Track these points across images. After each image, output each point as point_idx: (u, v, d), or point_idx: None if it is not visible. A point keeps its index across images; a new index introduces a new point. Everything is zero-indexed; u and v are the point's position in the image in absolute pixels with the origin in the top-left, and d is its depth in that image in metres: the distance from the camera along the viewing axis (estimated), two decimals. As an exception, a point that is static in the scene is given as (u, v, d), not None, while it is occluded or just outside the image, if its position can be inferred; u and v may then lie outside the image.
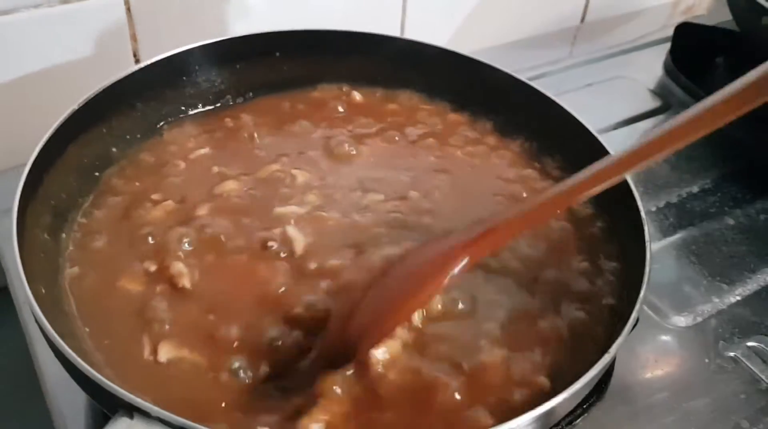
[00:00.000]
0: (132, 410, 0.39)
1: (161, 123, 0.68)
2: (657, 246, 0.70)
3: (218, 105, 0.72)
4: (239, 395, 0.46)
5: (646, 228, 0.54)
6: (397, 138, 0.70)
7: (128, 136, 0.65)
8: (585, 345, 0.52)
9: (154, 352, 0.48)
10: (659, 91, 0.93)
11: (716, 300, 0.66)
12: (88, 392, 0.44)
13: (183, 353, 0.48)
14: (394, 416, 0.46)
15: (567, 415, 0.48)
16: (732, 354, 0.61)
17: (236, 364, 0.48)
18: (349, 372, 0.47)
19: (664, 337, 0.62)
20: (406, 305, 0.46)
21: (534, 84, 0.69)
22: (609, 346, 0.46)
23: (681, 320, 0.64)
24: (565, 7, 1.06)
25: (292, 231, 0.56)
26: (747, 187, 0.78)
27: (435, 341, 0.50)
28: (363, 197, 0.62)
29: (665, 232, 0.72)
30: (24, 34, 0.69)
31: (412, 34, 0.92)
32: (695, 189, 0.78)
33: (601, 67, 0.96)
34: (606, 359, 0.45)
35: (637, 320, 0.48)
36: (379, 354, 0.48)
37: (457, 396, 0.47)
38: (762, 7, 0.80)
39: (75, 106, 0.58)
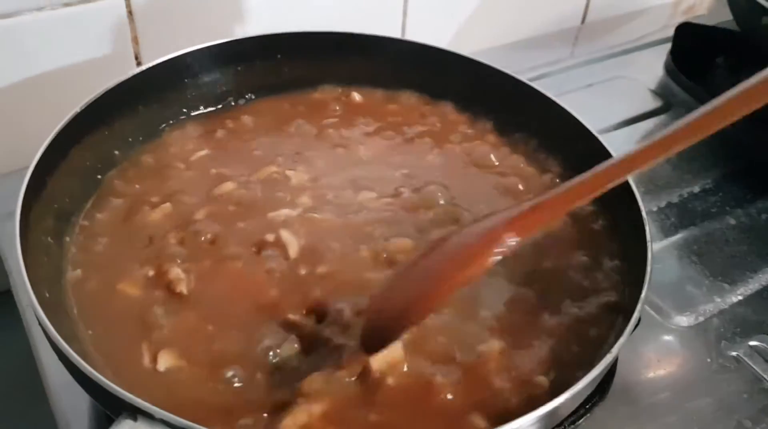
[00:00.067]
0: (136, 412, 0.40)
1: (163, 125, 0.68)
2: (658, 246, 0.70)
3: (219, 107, 0.72)
4: (236, 401, 0.46)
5: (647, 228, 0.54)
6: (395, 137, 0.70)
7: (130, 139, 0.65)
8: (584, 345, 0.52)
9: (154, 360, 0.48)
10: (660, 91, 0.93)
11: (718, 300, 0.66)
12: (91, 395, 0.44)
13: (181, 363, 0.48)
14: (389, 417, 0.46)
15: (570, 415, 0.48)
16: (734, 353, 0.61)
17: (231, 373, 0.48)
18: (340, 372, 0.47)
19: (666, 337, 0.62)
20: (450, 282, 0.45)
21: (535, 84, 0.69)
22: (611, 346, 0.46)
23: (683, 320, 0.64)
24: (566, 7, 1.06)
25: (285, 235, 0.57)
26: (748, 187, 0.78)
27: (432, 337, 0.51)
28: (356, 196, 0.62)
29: (666, 232, 0.72)
30: (26, 37, 0.69)
31: (413, 35, 0.93)
32: (696, 189, 0.78)
33: (601, 67, 0.96)
34: (608, 359, 0.45)
35: (639, 320, 0.48)
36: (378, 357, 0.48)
37: (451, 396, 0.47)
38: (762, 7, 0.80)
39: (77, 109, 0.58)
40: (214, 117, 0.71)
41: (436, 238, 0.50)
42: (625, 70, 0.96)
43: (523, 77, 0.70)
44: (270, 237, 0.56)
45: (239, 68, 0.72)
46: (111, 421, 0.40)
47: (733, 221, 0.74)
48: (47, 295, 0.49)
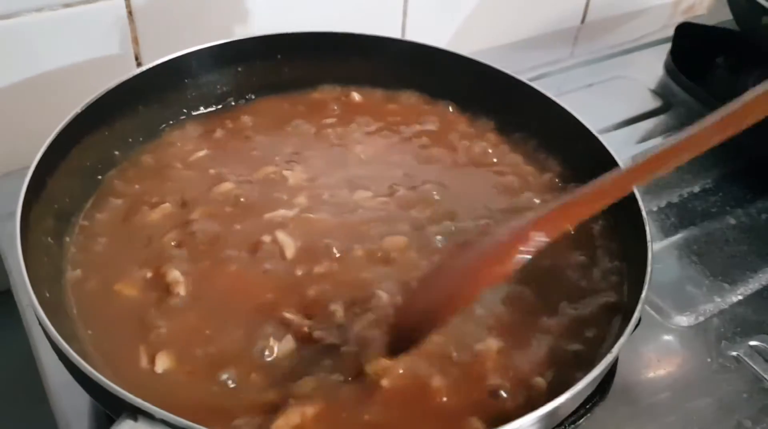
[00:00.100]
0: (136, 413, 0.40)
1: (163, 125, 0.68)
2: (658, 246, 0.70)
3: (219, 107, 0.72)
4: (230, 401, 0.46)
5: (647, 228, 0.54)
6: (393, 136, 0.70)
7: (130, 139, 0.65)
8: (583, 346, 0.52)
9: (152, 361, 0.48)
10: (660, 91, 0.93)
11: (718, 299, 0.66)
12: (92, 395, 0.44)
13: (178, 364, 0.48)
14: (384, 419, 0.46)
15: (570, 415, 0.48)
16: (734, 353, 0.61)
17: (226, 374, 0.48)
18: (334, 374, 0.48)
19: (667, 337, 0.62)
20: (479, 281, 0.45)
21: (535, 84, 0.69)
22: (611, 346, 0.46)
23: (683, 320, 0.64)
24: (566, 7, 1.06)
25: (281, 236, 0.57)
26: (748, 187, 0.78)
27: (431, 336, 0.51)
28: (351, 195, 0.62)
29: (667, 232, 0.72)
30: (26, 37, 0.69)
31: (413, 35, 0.93)
32: (696, 189, 0.78)
33: (601, 67, 0.96)
34: (609, 359, 0.45)
35: (640, 320, 0.48)
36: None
37: (448, 398, 0.47)
38: (762, 6, 0.80)
39: (78, 110, 0.58)
40: (214, 117, 0.71)
41: (462, 241, 0.50)
42: (625, 70, 0.96)
43: (523, 77, 0.70)
44: (266, 238, 0.56)
45: (239, 68, 0.72)
46: (111, 421, 0.40)
47: (733, 221, 0.74)
48: (47, 295, 0.49)
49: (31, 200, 0.52)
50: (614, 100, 0.91)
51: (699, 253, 0.70)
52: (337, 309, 0.52)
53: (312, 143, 0.68)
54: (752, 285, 0.67)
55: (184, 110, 0.70)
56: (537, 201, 0.64)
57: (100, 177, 0.62)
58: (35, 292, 0.45)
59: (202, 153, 0.66)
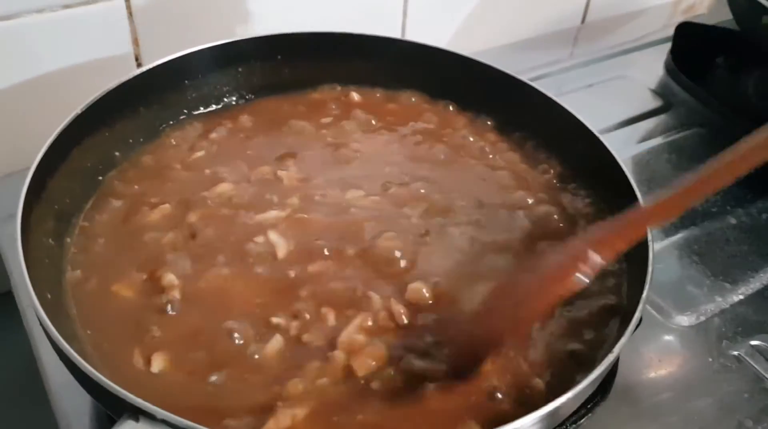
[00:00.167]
0: (138, 413, 0.40)
1: (163, 125, 0.68)
2: (659, 245, 0.70)
3: (219, 107, 0.72)
4: (222, 402, 0.46)
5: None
6: (391, 136, 0.70)
7: (131, 140, 0.65)
8: (581, 347, 0.52)
9: (148, 362, 0.48)
10: (660, 91, 0.93)
11: (719, 299, 0.66)
12: (93, 395, 0.44)
13: (172, 365, 0.49)
14: (377, 421, 0.46)
15: (571, 415, 0.48)
16: (735, 353, 0.61)
17: (218, 375, 0.48)
18: (324, 376, 0.48)
19: (668, 337, 0.62)
20: (539, 304, 0.46)
21: (535, 84, 0.69)
22: (612, 346, 0.46)
23: (684, 320, 0.64)
24: (566, 7, 1.06)
25: (273, 236, 0.57)
26: (748, 187, 0.78)
27: (423, 337, 0.51)
28: (344, 195, 0.62)
29: (667, 232, 0.72)
30: (27, 38, 0.69)
31: (413, 35, 0.93)
32: (697, 188, 0.78)
33: (602, 67, 0.96)
34: (610, 359, 0.45)
35: (641, 320, 0.48)
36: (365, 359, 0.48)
37: (443, 399, 0.47)
38: (762, 6, 0.80)
39: (78, 110, 0.58)
40: (213, 117, 0.71)
41: (517, 267, 0.51)
42: (625, 69, 0.96)
43: (524, 77, 0.70)
44: (259, 239, 0.57)
45: (239, 69, 0.72)
46: (112, 422, 0.40)
47: (733, 221, 0.74)
48: (48, 296, 0.49)
49: (31, 201, 0.52)
50: (614, 100, 0.91)
51: (700, 253, 0.70)
52: (328, 312, 0.52)
53: (310, 143, 0.68)
54: (753, 284, 0.67)
55: (185, 110, 0.70)
56: (530, 200, 0.64)
57: (100, 178, 0.62)
58: (36, 294, 0.45)
59: (201, 153, 0.66)
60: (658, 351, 0.61)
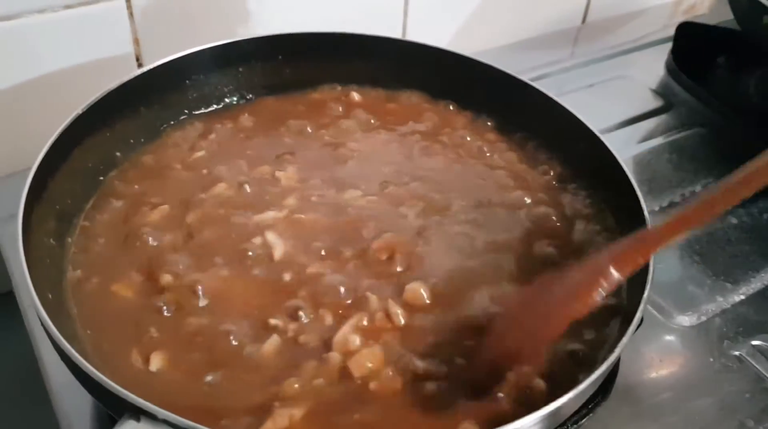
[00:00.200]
0: (139, 413, 0.40)
1: (163, 125, 0.68)
2: (660, 245, 0.70)
3: (220, 106, 0.72)
4: (219, 402, 0.47)
5: (649, 228, 0.54)
6: (390, 136, 0.70)
7: (132, 140, 0.65)
8: (582, 347, 0.52)
9: (146, 361, 0.49)
10: (661, 91, 0.93)
11: (720, 299, 0.66)
12: (94, 395, 0.44)
13: (169, 365, 0.49)
14: (374, 422, 0.46)
15: (572, 415, 0.48)
16: (737, 353, 0.61)
17: (215, 375, 0.48)
18: (319, 376, 0.48)
19: (669, 337, 0.62)
20: (561, 319, 0.46)
21: (536, 84, 0.69)
22: (613, 346, 0.46)
23: (685, 320, 0.64)
24: (567, 7, 1.06)
25: (271, 237, 0.57)
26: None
27: (421, 338, 0.51)
28: (341, 195, 0.62)
29: (668, 232, 0.72)
30: (28, 39, 0.69)
31: (414, 35, 0.93)
32: (698, 188, 0.77)
33: (602, 67, 0.96)
34: (611, 359, 0.45)
35: (642, 320, 0.48)
36: (361, 359, 0.49)
37: (442, 400, 0.47)
38: (763, 6, 0.80)
39: (79, 110, 0.58)
40: (214, 117, 0.71)
41: (538, 280, 0.50)
42: (626, 69, 0.96)
43: (524, 77, 0.70)
44: (257, 240, 0.57)
45: (240, 69, 0.72)
46: (114, 422, 0.40)
47: (734, 221, 0.74)
48: (50, 296, 0.49)
49: (32, 201, 0.52)
50: (615, 100, 0.91)
51: (701, 253, 0.70)
52: (326, 312, 0.52)
53: (309, 143, 0.68)
54: (754, 284, 0.67)
55: (185, 110, 0.70)
56: (529, 200, 0.64)
57: (101, 178, 0.62)
58: (37, 294, 0.45)
59: (200, 153, 0.66)
60: (659, 351, 0.61)
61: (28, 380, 0.60)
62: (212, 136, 0.68)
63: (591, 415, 0.51)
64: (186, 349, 0.49)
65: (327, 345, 0.50)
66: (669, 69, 0.96)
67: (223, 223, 0.58)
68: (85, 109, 0.59)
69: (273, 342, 0.50)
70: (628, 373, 0.57)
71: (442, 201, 0.62)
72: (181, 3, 0.76)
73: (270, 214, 0.59)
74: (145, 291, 0.53)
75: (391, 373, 0.48)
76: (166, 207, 0.59)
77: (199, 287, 0.53)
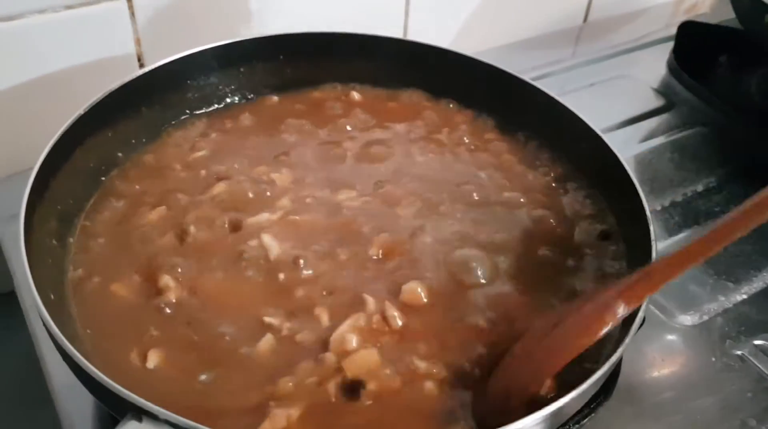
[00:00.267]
0: (141, 413, 0.40)
1: (165, 125, 0.68)
2: (662, 245, 0.70)
3: (221, 106, 0.72)
4: (216, 402, 0.47)
5: (651, 227, 0.54)
6: (390, 135, 0.70)
7: (133, 140, 0.65)
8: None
9: (143, 361, 0.49)
10: (663, 90, 0.93)
11: (722, 298, 0.65)
12: (96, 396, 0.44)
13: (167, 365, 0.49)
14: (372, 422, 0.46)
15: (574, 415, 0.48)
16: (739, 352, 0.61)
17: (211, 374, 0.48)
18: (314, 376, 0.48)
19: (671, 337, 0.62)
20: (567, 353, 0.46)
21: (537, 84, 0.69)
22: (615, 346, 0.46)
23: (687, 319, 0.64)
24: (568, 6, 1.06)
25: (266, 239, 0.57)
26: (751, 186, 0.77)
27: (420, 339, 0.51)
28: (335, 195, 0.62)
29: (670, 232, 0.72)
30: (29, 39, 0.69)
31: (415, 35, 0.93)
32: (700, 188, 0.78)
33: (604, 66, 0.96)
34: (613, 359, 0.45)
35: (644, 320, 0.48)
36: (357, 359, 0.49)
37: (441, 400, 0.47)
38: (765, 5, 0.80)
39: (81, 111, 0.58)
40: (214, 116, 0.71)
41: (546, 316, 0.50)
42: (627, 69, 0.96)
43: (526, 76, 0.70)
44: (252, 241, 0.57)
45: (241, 69, 0.72)
46: (115, 422, 0.40)
47: (736, 220, 0.74)
48: (51, 297, 0.49)
49: (34, 202, 0.52)
50: (617, 100, 0.91)
51: (702, 253, 0.70)
52: (322, 312, 0.52)
53: (308, 142, 0.68)
54: (756, 284, 0.67)
55: (187, 110, 0.70)
56: (529, 200, 0.64)
57: (102, 178, 0.62)
58: (39, 294, 0.45)
59: (200, 153, 0.66)
60: (661, 350, 0.61)
61: (29, 381, 0.60)
62: (213, 135, 0.68)
63: (593, 414, 0.50)
64: (184, 349, 0.49)
65: (323, 345, 0.50)
66: (670, 68, 0.96)
67: (221, 223, 0.58)
68: (86, 110, 0.59)
69: (267, 340, 0.50)
70: (630, 372, 0.57)
71: (440, 200, 0.62)
72: (182, 3, 0.76)
73: (266, 216, 0.59)
74: (144, 291, 0.53)
75: (388, 372, 0.48)
76: (164, 208, 0.59)
77: (197, 288, 0.53)
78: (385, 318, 0.52)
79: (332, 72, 0.75)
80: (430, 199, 0.62)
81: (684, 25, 0.96)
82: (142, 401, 0.40)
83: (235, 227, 0.58)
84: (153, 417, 0.39)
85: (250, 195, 0.61)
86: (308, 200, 0.61)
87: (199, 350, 0.49)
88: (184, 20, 0.77)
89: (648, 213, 0.55)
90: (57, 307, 0.49)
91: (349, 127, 0.70)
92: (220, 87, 0.71)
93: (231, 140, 0.68)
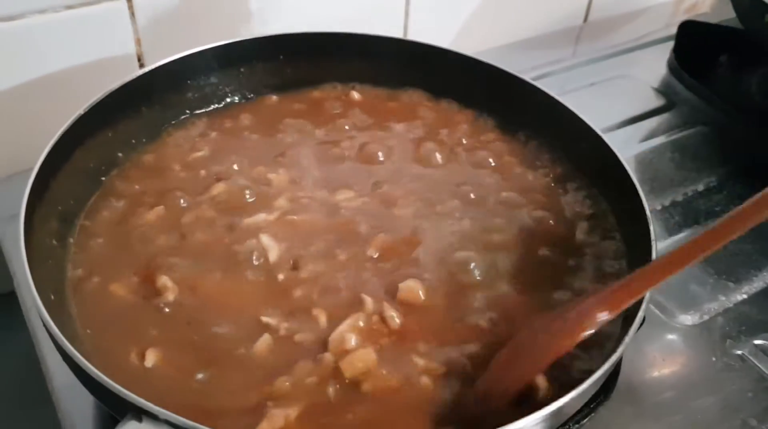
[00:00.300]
0: (141, 413, 0.40)
1: (165, 125, 0.68)
2: (663, 245, 0.70)
3: (221, 106, 0.72)
4: (214, 402, 0.47)
5: (651, 227, 0.54)
6: (389, 134, 0.70)
7: (133, 140, 0.65)
8: (583, 346, 0.51)
9: (141, 361, 0.49)
10: (663, 90, 0.93)
11: (723, 298, 0.65)
12: (96, 396, 0.45)
13: (165, 365, 0.49)
14: (369, 422, 0.46)
15: (574, 415, 0.48)
16: (739, 352, 0.61)
17: (209, 374, 0.48)
18: (312, 376, 0.48)
19: (671, 336, 0.62)
20: (543, 359, 0.47)
21: (537, 83, 0.69)
22: (615, 346, 0.46)
23: (687, 319, 0.63)
24: (568, 6, 1.06)
25: (265, 239, 0.57)
26: (752, 186, 0.77)
27: (418, 334, 0.51)
28: (334, 195, 0.62)
29: (671, 231, 0.72)
30: (29, 39, 0.69)
31: (415, 35, 0.93)
32: (700, 187, 0.77)
33: (604, 66, 0.96)
34: (613, 359, 0.45)
35: (644, 319, 0.48)
36: (354, 360, 0.49)
37: (440, 400, 0.47)
38: (765, 5, 0.80)
39: (81, 111, 0.58)
40: (214, 116, 0.71)
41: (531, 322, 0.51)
42: (627, 68, 0.96)
43: (526, 76, 0.70)
44: (251, 242, 0.57)
45: (241, 69, 0.72)
46: (115, 422, 0.40)
47: (737, 220, 0.74)
48: (52, 297, 0.49)
49: (34, 202, 0.52)
50: (617, 99, 0.91)
51: (703, 252, 0.70)
52: (320, 313, 0.52)
53: (308, 142, 0.68)
54: (757, 283, 0.67)
55: (187, 110, 0.70)
56: (528, 200, 0.64)
57: (102, 178, 0.62)
58: (39, 295, 0.45)
59: (200, 153, 0.66)
60: (661, 350, 0.61)
61: (29, 381, 0.60)
62: (213, 135, 0.68)
63: (593, 414, 0.50)
64: (182, 349, 0.50)
65: (322, 345, 0.50)
66: (671, 68, 0.96)
67: (219, 223, 0.58)
68: (86, 110, 0.59)
69: (265, 340, 0.50)
70: (630, 372, 0.57)
71: (439, 200, 0.62)
72: (182, 3, 0.76)
73: (263, 216, 0.59)
74: (142, 291, 0.53)
75: (385, 372, 0.48)
76: (163, 208, 0.60)
77: (195, 288, 0.53)
78: (383, 318, 0.52)
79: (332, 72, 0.75)
80: (429, 199, 0.62)
81: (684, 24, 0.96)
82: (142, 401, 0.40)
83: (234, 227, 0.58)
84: (153, 417, 0.39)
85: (249, 195, 0.61)
86: (306, 200, 0.61)
87: (198, 350, 0.49)
88: (184, 20, 0.77)
89: (648, 213, 0.55)
90: (57, 307, 0.49)
91: (348, 127, 0.70)
92: (220, 87, 0.71)
93: (231, 140, 0.68)
